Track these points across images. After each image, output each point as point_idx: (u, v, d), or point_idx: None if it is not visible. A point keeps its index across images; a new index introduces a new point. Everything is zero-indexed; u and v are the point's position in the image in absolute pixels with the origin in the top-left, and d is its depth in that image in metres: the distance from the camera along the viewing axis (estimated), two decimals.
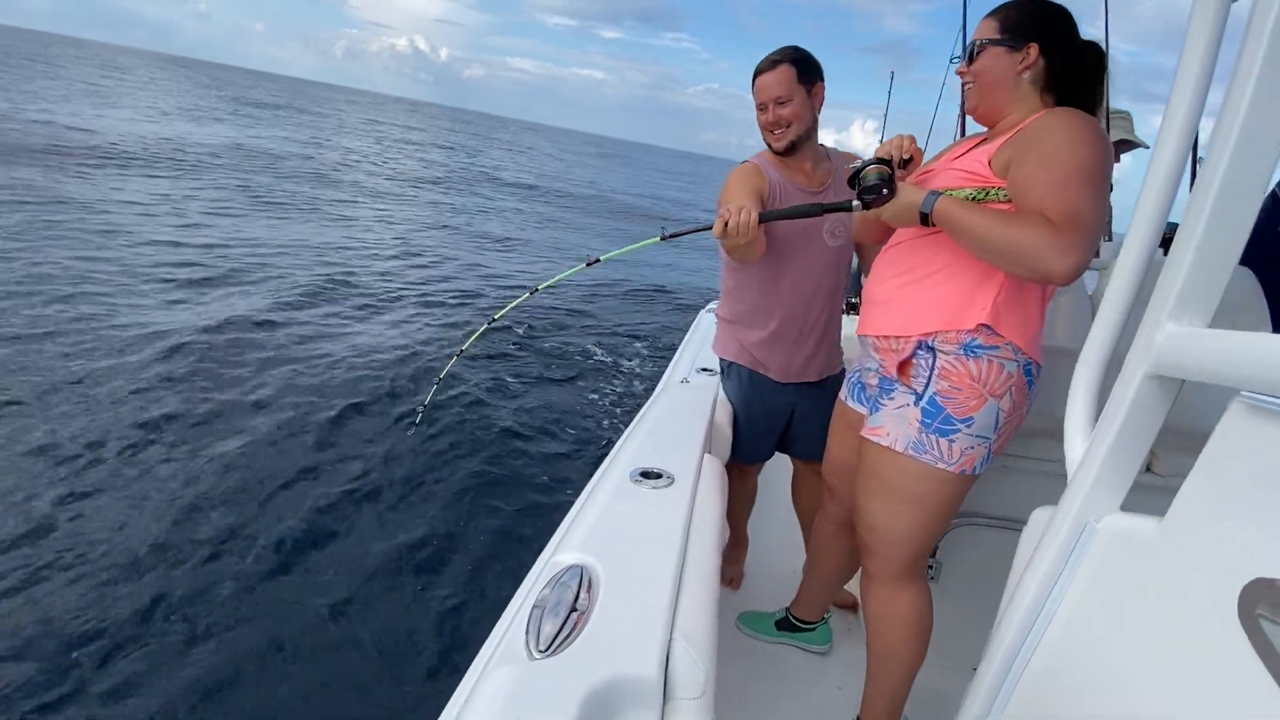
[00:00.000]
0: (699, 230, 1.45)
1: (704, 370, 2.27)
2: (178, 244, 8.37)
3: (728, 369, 1.97)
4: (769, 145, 1.73)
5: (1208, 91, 0.84)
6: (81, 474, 3.53)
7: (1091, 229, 1.10)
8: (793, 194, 1.73)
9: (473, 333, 2.04)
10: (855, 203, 1.29)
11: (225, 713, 2.30)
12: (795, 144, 1.69)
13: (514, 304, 1.84)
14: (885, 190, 1.25)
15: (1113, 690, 0.77)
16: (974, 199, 1.23)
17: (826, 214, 1.44)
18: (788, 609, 1.93)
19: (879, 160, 1.27)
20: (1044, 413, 1.63)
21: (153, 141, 16.23)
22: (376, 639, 2.70)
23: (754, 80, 1.69)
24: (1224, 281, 0.73)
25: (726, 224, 1.36)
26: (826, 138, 1.85)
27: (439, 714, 0.74)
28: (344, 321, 6.57)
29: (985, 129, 1.36)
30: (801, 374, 1.87)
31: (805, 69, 1.65)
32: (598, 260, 1.66)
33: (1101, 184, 1.14)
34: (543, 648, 0.74)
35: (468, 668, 0.84)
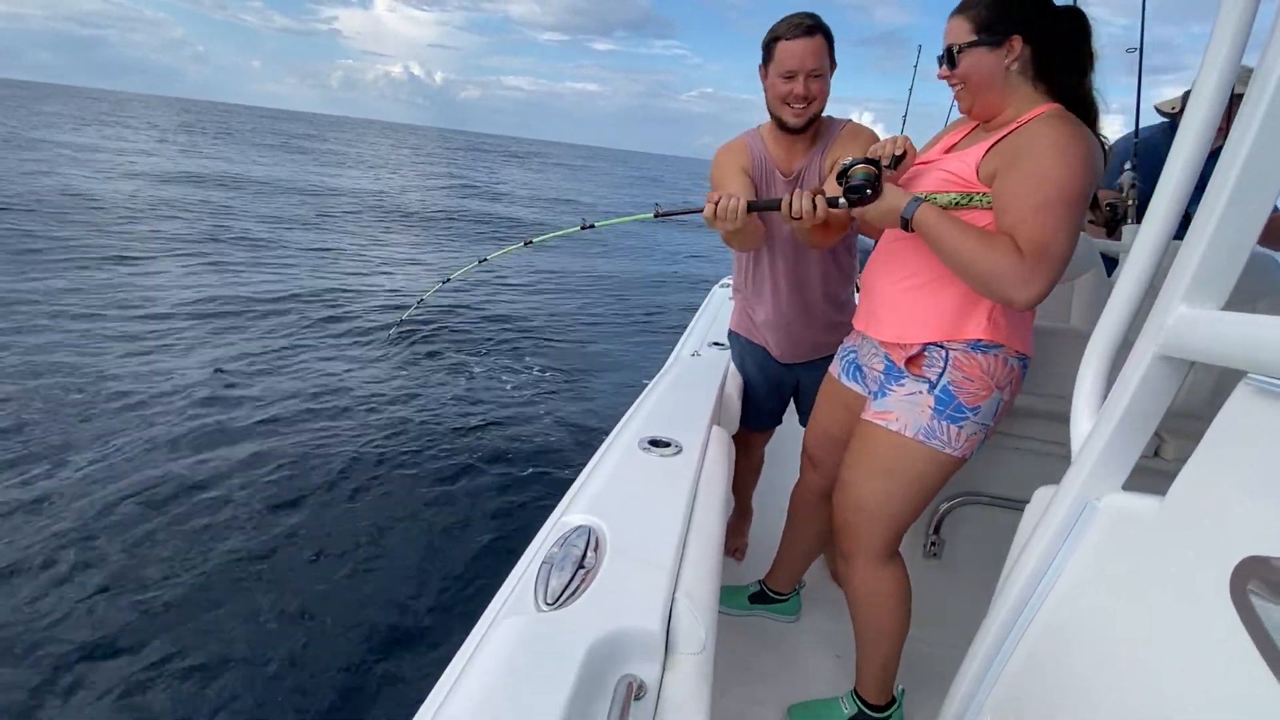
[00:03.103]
0: (691, 211, 1.45)
1: (715, 344, 2.28)
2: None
3: (732, 336, 2.05)
4: (783, 120, 1.62)
5: (1235, 74, 0.83)
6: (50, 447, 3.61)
7: (1059, 259, 1.13)
8: (775, 177, 1.70)
9: (460, 267, 2.09)
10: (841, 200, 1.29)
11: (248, 668, 2.40)
12: (812, 121, 1.60)
13: (506, 250, 1.89)
14: (870, 191, 1.25)
15: (1103, 666, 0.79)
16: (956, 204, 1.26)
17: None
18: (761, 581, 1.96)
19: (867, 160, 1.27)
20: (1057, 395, 1.63)
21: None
22: (388, 596, 2.79)
23: (774, 44, 1.55)
24: (1240, 265, 0.72)
25: (716, 208, 1.37)
26: None
27: (449, 662, 0.78)
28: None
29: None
30: (800, 356, 1.90)
31: (832, 44, 1.57)
32: (592, 225, 1.63)
33: (1078, 212, 1.15)
34: (550, 601, 0.77)
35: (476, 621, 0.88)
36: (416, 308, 2.25)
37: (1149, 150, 2.54)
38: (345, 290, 7.32)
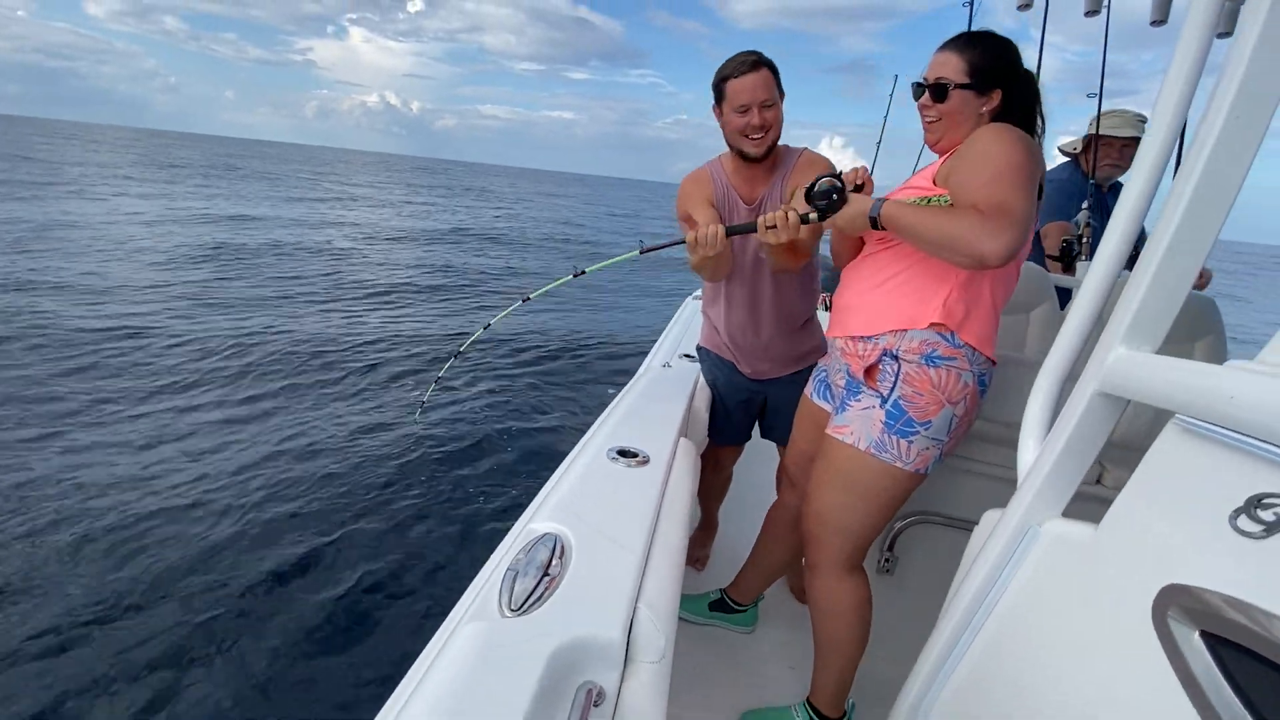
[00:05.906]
0: (675, 243, 1.54)
1: (685, 356, 2.32)
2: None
3: (702, 351, 2.09)
4: (744, 151, 1.68)
5: (1183, 125, 0.89)
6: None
7: (1019, 216, 1.18)
8: (737, 205, 1.77)
9: (468, 335, 1.98)
10: (811, 214, 1.39)
11: (204, 669, 2.37)
12: (771, 149, 1.67)
13: (506, 311, 1.83)
14: (836, 198, 1.36)
15: (1037, 684, 0.84)
16: (916, 204, 1.34)
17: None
18: (723, 590, 2.00)
19: (830, 174, 1.38)
20: (1009, 422, 1.70)
21: None
22: (349, 599, 2.76)
23: (724, 84, 1.63)
24: (1173, 313, 0.78)
25: (698, 236, 1.46)
26: None
27: (410, 666, 0.78)
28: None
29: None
30: (766, 372, 1.96)
31: (778, 75, 1.64)
32: (583, 272, 1.69)
33: (1028, 180, 1.22)
34: (514, 607, 0.78)
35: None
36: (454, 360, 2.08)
37: (1055, 188, 2.64)
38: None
